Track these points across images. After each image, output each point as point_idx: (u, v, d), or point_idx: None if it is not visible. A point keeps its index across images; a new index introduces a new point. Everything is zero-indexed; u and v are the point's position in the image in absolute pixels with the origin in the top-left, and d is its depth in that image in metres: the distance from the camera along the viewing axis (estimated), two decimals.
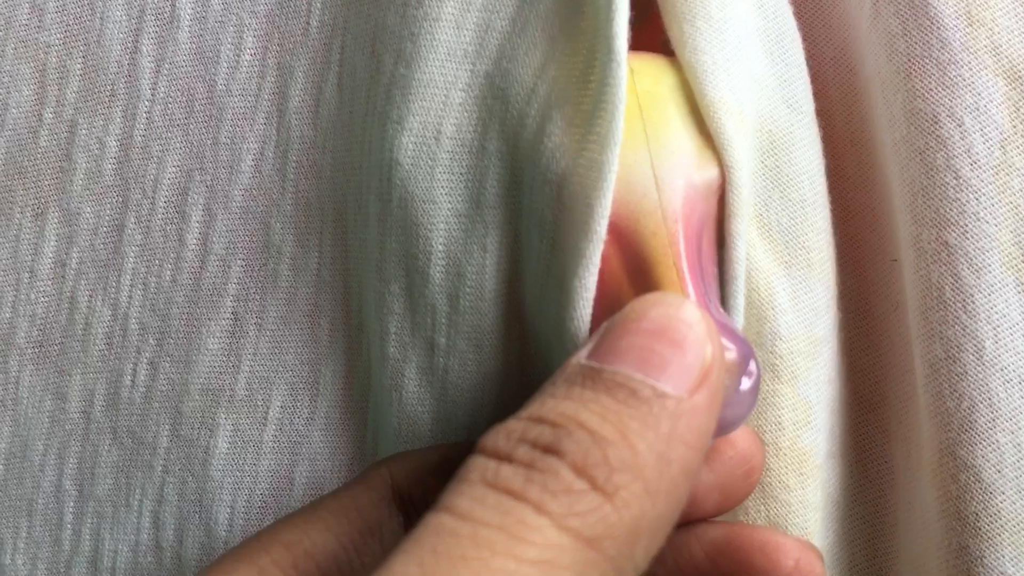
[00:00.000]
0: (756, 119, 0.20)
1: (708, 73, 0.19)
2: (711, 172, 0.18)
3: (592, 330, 0.18)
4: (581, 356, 0.16)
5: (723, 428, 0.17)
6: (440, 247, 0.19)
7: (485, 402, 0.20)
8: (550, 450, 0.15)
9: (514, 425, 0.16)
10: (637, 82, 0.19)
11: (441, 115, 0.20)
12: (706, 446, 0.16)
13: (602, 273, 0.18)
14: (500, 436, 0.16)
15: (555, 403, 0.16)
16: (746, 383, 0.17)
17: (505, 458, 0.15)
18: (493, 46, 0.20)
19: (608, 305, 0.18)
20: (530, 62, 0.19)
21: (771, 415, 0.19)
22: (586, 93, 0.18)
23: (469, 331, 0.19)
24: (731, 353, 0.17)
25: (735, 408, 0.17)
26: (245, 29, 0.23)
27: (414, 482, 0.19)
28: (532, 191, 0.19)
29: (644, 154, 0.18)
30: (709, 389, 0.16)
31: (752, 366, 0.17)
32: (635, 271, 0.17)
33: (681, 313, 0.16)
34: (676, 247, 0.17)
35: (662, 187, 0.18)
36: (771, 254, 0.20)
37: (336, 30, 0.22)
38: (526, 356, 0.20)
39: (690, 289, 0.17)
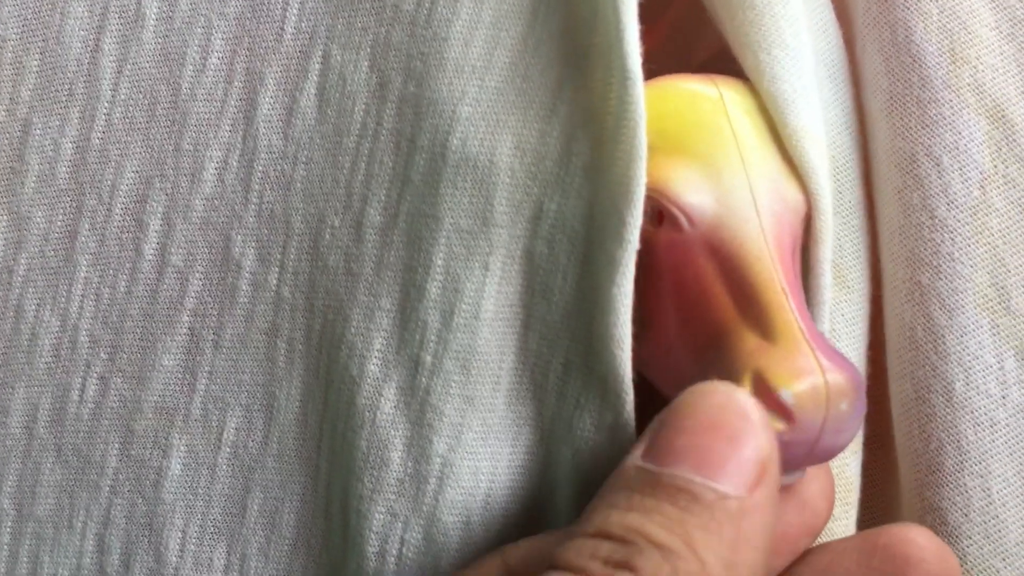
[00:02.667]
0: (825, 146, 0.21)
1: (789, 102, 0.20)
2: (798, 196, 0.20)
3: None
4: (636, 456, 0.18)
5: (833, 452, 0.18)
6: (440, 261, 0.20)
7: (464, 430, 0.21)
8: (623, 566, 0.17)
9: (584, 543, 0.17)
10: (727, 106, 0.20)
11: (448, 130, 0.20)
12: (770, 543, 0.17)
13: (708, 299, 0.19)
14: (572, 552, 0.17)
15: (619, 516, 0.17)
16: (859, 408, 0.18)
17: (580, 573, 0.17)
18: (503, 61, 0.21)
19: (715, 333, 0.18)
20: (547, 82, 0.20)
21: None
22: (608, 111, 0.20)
23: (458, 350, 0.20)
24: (842, 376, 0.18)
25: (845, 434, 0.18)
26: (213, 31, 0.24)
27: (534, 565, 0.19)
28: (563, 208, 0.20)
29: (742, 178, 0.19)
30: (769, 484, 0.17)
31: (862, 388, 0.18)
32: (742, 297, 0.19)
33: (734, 404, 0.17)
34: (779, 272, 0.19)
35: (761, 211, 0.19)
36: (833, 279, 0.21)
37: (316, 38, 0.23)
38: (517, 389, 0.21)
39: (797, 314, 0.18)
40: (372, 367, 0.21)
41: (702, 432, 0.17)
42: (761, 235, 0.19)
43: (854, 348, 0.21)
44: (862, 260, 0.22)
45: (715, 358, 0.18)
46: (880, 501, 0.23)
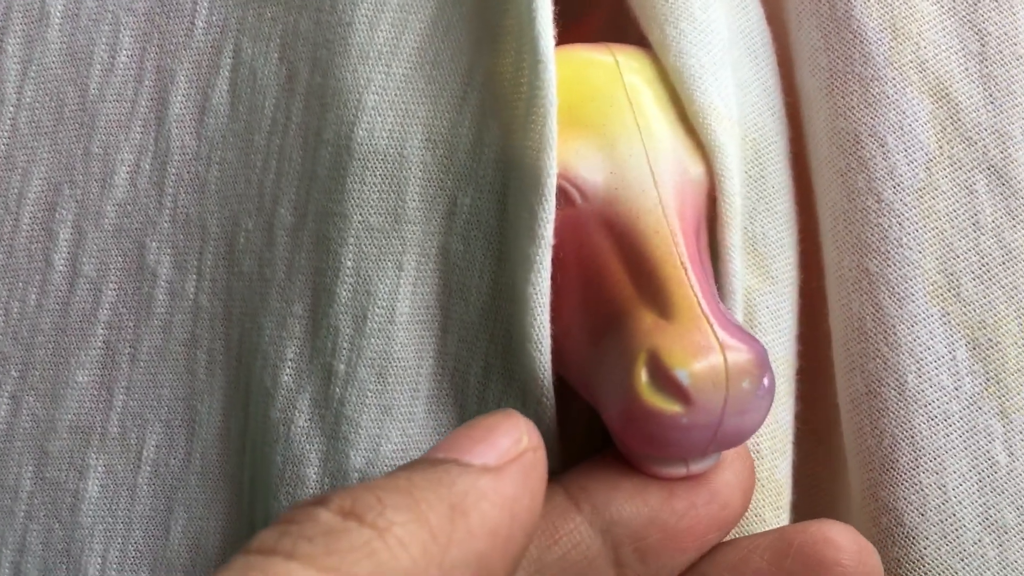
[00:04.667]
0: (742, 126, 0.20)
1: (696, 77, 0.19)
2: (701, 167, 0.19)
3: (602, 341, 0.18)
4: None
5: (741, 436, 0.17)
6: (349, 263, 0.19)
7: (382, 442, 0.19)
8: (316, 503, 0.15)
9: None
10: (623, 74, 0.19)
11: (353, 121, 0.19)
12: (524, 520, 0.16)
13: (604, 277, 0.18)
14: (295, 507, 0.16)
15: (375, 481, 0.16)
16: (764, 387, 0.17)
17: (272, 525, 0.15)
18: (411, 47, 0.20)
19: (612, 312, 0.17)
20: (457, 68, 0.19)
21: (748, 442, 0.19)
22: (519, 97, 0.19)
23: (373, 357, 0.19)
24: (743, 354, 0.17)
25: (751, 415, 0.17)
26: (121, 28, 0.23)
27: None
28: (476, 202, 0.19)
29: (639, 148, 0.18)
30: (523, 467, 0.16)
31: (769, 369, 0.17)
32: (639, 272, 0.17)
33: (502, 412, 0.17)
34: (680, 246, 0.18)
35: (659, 182, 0.18)
36: (755, 268, 0.20)
37: (227, 32, 0.22)
38: (436, 396, 0.20)
39: (698, 289, 0.17)
40: (285, 378, 0.20)
41: (464, 427, 0.17)
42: (659, 208, 0.18)
43: (780, 342, 0.20)
44: (787, 248, 0.20)
45: (613, 339, 0.17)
46: (823, 499, 0.22)
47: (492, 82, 0.19)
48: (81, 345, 0.22)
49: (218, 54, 0.22)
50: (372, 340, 0.19)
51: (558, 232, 0.18)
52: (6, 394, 0.22)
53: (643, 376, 0.17)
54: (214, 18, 0.22)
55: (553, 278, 0.18)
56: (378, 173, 0.19)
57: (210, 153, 0.22)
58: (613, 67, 0.19)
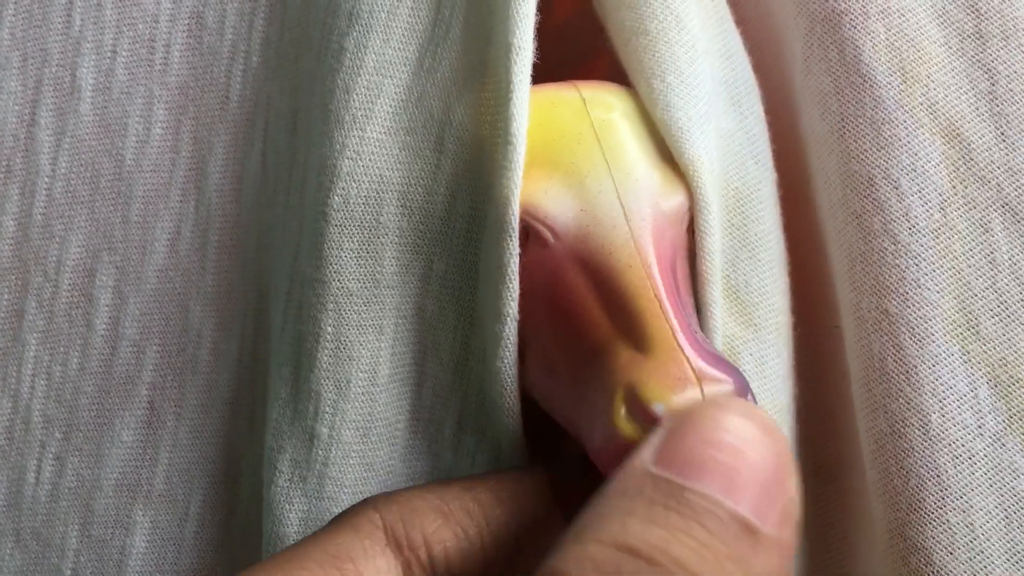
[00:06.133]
0: (723, 176, 0.20)
1: (684, 130, 0.19)
2: (677, 199, 0.19)
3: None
4: (646, 460, 0.15)
5: None
6: (329, 329, 0.19)
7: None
8: None
9: (599, 552, 0.14)
10: (591, 111, 0.19)
11: (329, 187, 0.19)
12: None
13: (580, 315, 0.18)
14: (587, 562, 0.14)
15: (640, 528, 0.14)
16: None
17: None
18: (385, 112, 0.20)
19: (590, 349, 0.17)
20: (429, 134, 0.19)
21: None
22: (491, 169, 0.19)
23: (357, 419, 0.19)
24: (726, 386, 0.17)
25: None
26: (155, 101, 0.23)
27: (411, 526, 0.17)
28: (450, 268, 0.19)
29: (608, 184, 0.18)
30: (792, 525, 0.15)
31: (751, 398, 0.17)
32: (615, 308, 0.17)
33: (764, 431, 0.15)
34: (654, 279, 0.17)
35: (631, 217, 0.18)
36: (738, 316, 0.20)
37: (259, 105, 0.23)
38: (411, 446, 0.20)
39: (674, 320, 0.17)
40: (269, 438, 0.20)
41: (728, 451, 0.15)
42: (631, 242, 0.18)
43: (767, 388, 0.20)
44: (773, 294, 0.20)
45: (593, 375, 0.17)
46: (837, 539, 0.22)
47: (464, 150, 0.19)
48: (125, 405, 0.23)
49: (251, 125, 0.23)
50: (356, 404, 0.19)
51: (533, 272, 0.18)
52: (51, 455, 0.23)
53: (622, 411, 0.17)
54: (247, 91, 0.23)
55: (532, 317, 0.18)
56: (355, 239, 0.19)
57: (249, 220, 0.22)
58: (579, 104, 0.19)
